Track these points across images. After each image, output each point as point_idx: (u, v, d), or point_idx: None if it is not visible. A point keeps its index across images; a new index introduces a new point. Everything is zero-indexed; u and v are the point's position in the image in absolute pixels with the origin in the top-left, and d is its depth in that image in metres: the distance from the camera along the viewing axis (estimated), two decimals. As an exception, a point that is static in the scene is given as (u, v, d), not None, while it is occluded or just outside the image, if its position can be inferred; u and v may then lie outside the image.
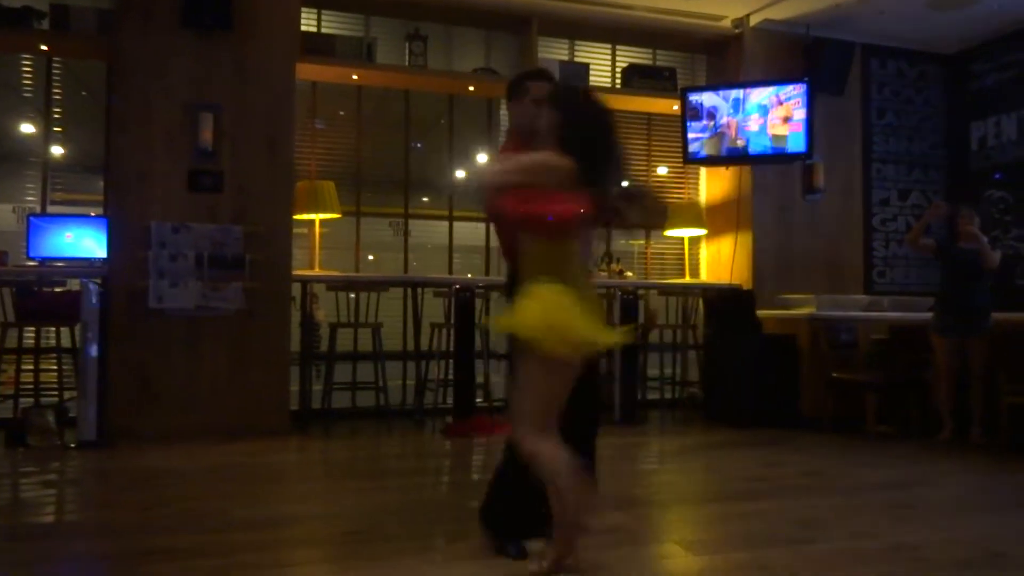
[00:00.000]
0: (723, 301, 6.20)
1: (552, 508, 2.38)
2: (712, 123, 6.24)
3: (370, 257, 6.38)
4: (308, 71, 5.63)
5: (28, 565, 2.61)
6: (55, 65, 5.61)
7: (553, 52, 6.68)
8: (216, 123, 5.10)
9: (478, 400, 5.61)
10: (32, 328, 5.13)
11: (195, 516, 3.17)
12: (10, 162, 5.80)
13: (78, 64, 5.76)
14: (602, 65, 6.86)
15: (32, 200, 5.76)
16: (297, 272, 5.41)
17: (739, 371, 5.78)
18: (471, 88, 6.26)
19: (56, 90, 5.65)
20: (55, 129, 5.68)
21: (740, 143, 6.19)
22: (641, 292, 6.23)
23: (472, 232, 6.64)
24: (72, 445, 4.53)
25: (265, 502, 3.46)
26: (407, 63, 5.99)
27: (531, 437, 2.37)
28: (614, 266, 6.25)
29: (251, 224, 5.10)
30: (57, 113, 5.67)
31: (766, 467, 4.35)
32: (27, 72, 5.77)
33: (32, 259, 5.03)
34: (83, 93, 5.99)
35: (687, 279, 6.68)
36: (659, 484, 4.08)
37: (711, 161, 6.43)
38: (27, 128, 5.97)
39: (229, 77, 5.18)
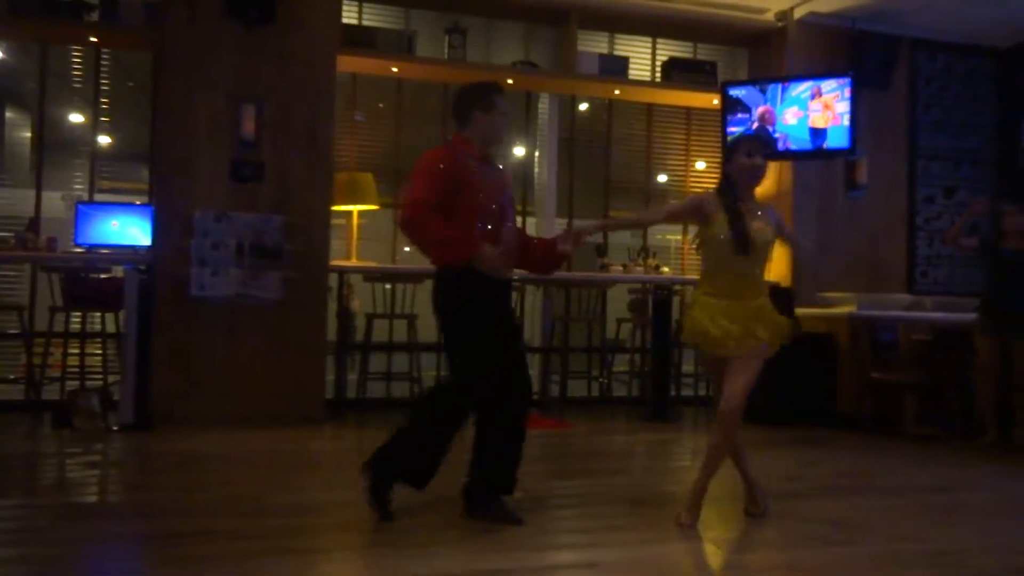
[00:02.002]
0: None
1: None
2: (759, 117, 6.15)
3: (406, 249, 6.41)
4: (349, 63, 5.68)
5: (72, 543, 2.69)
6: (103, 56, 5.74)
7: (592, 45, 6.65)
8: (258, 114, 5.17)
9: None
10: (79, 313, 5.26)
11: (233, 500, 3.23)
12: (59, 151, 5.95)
13: (125, 55, 5.89)
14: (642, 59, 6.81)
15: (80, 188, 5.91)
16: (335, 262, 5.47)
17: (776, 369, 5.67)
18: (510, 81, 6.25)
19: (104, 81, 5.77)
20: (103, 119, 5.81)
21: (781, 137, 6.10)
22: (677, 288, 6.19)
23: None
24: (115, 428, 4.64)
25: (300, 488, 3.50)
26: (446, 56, 6.01)
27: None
28: (650, 261, 6.21)
29: (291, 214, 5.16)
30: (105, 103, 5.79)
31: (802, 467, 4.29)
32: (76, 63, 5.92)
33: (79, 246, 5.16)
34: (130, 84, 6.12)
35: (724, 275, 6.59)
36: (691, 481, 4.03)
37: (751, 156, 6.34)
38: (76, 118, 6.12)
39: (271, 69, 5.24)
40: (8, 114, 6.23)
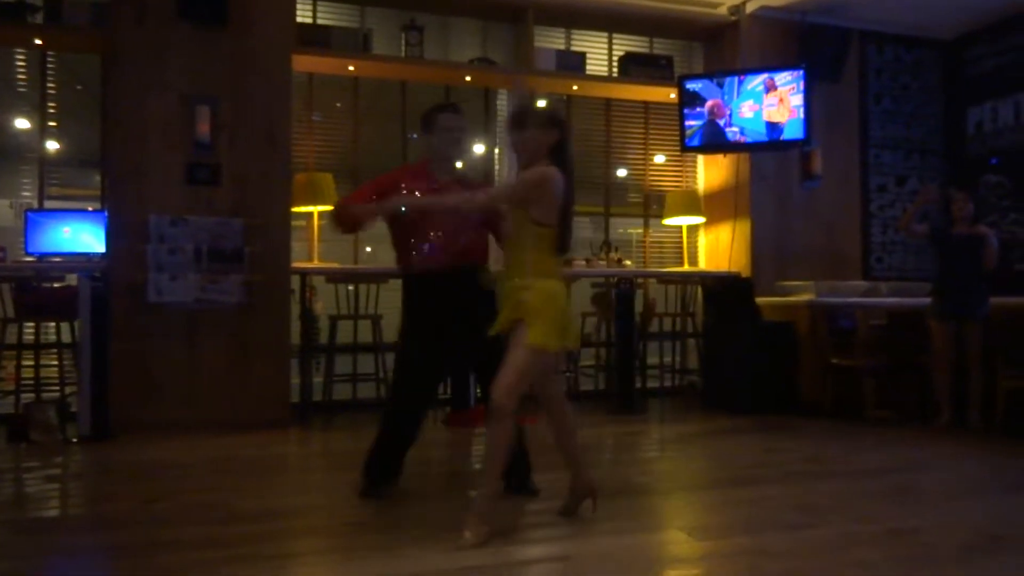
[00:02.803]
0: (722, 289, 6.21)
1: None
2: (708, 111, 6.23)
3: (367, 248, 6.37)
4: (304, 63, 5.62)
5: (34, 558, 2.63)
6: (49, 59, 5.59)
7: (549, 41, 6.66)
8: (213, 116, 5.09)
9: (478, 390, 5.61)
10: (32, 324, 5.13)
11: (198, 508, 3.18)
12: (6, 158, 5.78)
13: (72, 58, 5.74)
14: (599, 54, 6.85)
15: (29, 196, 5.75)
16: (296, 264, 5.41)
17: (738, 358, 5.79)
18: (468, 78, 6.25)
19: (50, 84, 5.62)
20: (50, 124, 5.66)
21: (736, 130, 6.19)
22: (640, 281, 6.24)
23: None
24: (74, 439, 4.54)
25: (268, 494, 3.46)
26: (403, 54, 5.98)
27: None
28: (612, 255, 6.26)
29: (250, 216, 5.09)
30: (52, 108, 5.64)
31: (766, 453, 4.37)
32: (21, 67, 5.75)
33: (30, 255, 5.02)
34: (78, 87, 5.96)
35: (686, 267, 6.69)
36: (660, 472, 4.10)
37: (708, 149, 6.43)
38: (22, 123, 5.95)
39: (226, 69, 5.16)
40: None
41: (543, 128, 2.89)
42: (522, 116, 2.95)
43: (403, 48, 6.00)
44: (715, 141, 6.28)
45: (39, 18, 5.20)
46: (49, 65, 5.60)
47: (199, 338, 5.00)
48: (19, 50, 5.67)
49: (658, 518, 3.20)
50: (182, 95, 5.06)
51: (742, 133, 6.18)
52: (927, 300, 5.28)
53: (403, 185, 3.36)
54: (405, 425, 3.36)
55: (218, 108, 5.12)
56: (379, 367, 5.54)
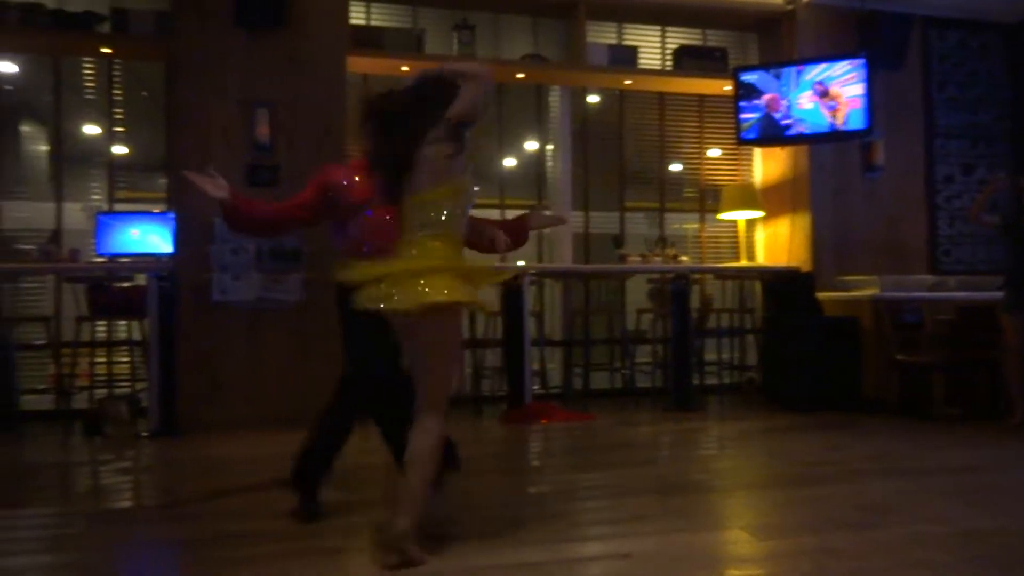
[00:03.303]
0: (781, 284, 6.09)
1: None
2: (765, 103, 6.11)
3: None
4: (359, 64, 5.69)
5: (107, 548, 2.73)
6: (116, 67, 5.78)
7: (601, 36, 6.62)
8: (272, 118, 5.20)
9: (535, 387, 5.62)
10: (104, 322, 5.32)
11: (261, 502, 3.25)
12: (77, 163, 6.01)
13: (138, 65, 5.93)
14: (651, 47, 6.78)
15: (99, 199, 5.96)
16: (354, 263, 5.48)
17: (799, 354, 5.67)
18: (520, 75, 6.25)
19: (117, 91, 5.82)
20: (117, 129, 5.86)
21: (794, 122, 6.06)
22: (696, 276, 6.16)
23: (523, 220, 6.63)
24: (144, 434, 4.69)
25: (326, 489, 3.52)
26: (455, 52, 6.01)
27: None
28: (668, 251, 6.19)
29: (308, 217, 5.18)
30: (119, 114, 5.84)
31: (830, 451, 4.27)
32: (89, 75, 5.97)
33: (101, 255, 5.21)
34: (143, 94, 6.16)
35: (743, 262, 6.58)
36: (720, 469, 4.04)
37: (765, 141, 6.31)
38: (91, 129, 6.18)
39: (282, 73, 5.27)
40: (24, 128, 6.28)
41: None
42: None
43: (455, 47, 6.03)
44: (772, 134, 6.16)
45: (106, 28, 5.38)
46: (115, 73, 5.79)
47: (261, 336, 5.11)
48: (87, 59, 5.88)
49: (718, 516, 3.16)
50: (242, 99, 5.18)
51: (801, 125, 6.05)
52: (999, 294, 5.08)
53: (345, 183, 3.03)
54: (344, 430, 3.16)
55: (276, 111, 5.23)
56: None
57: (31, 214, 5.79)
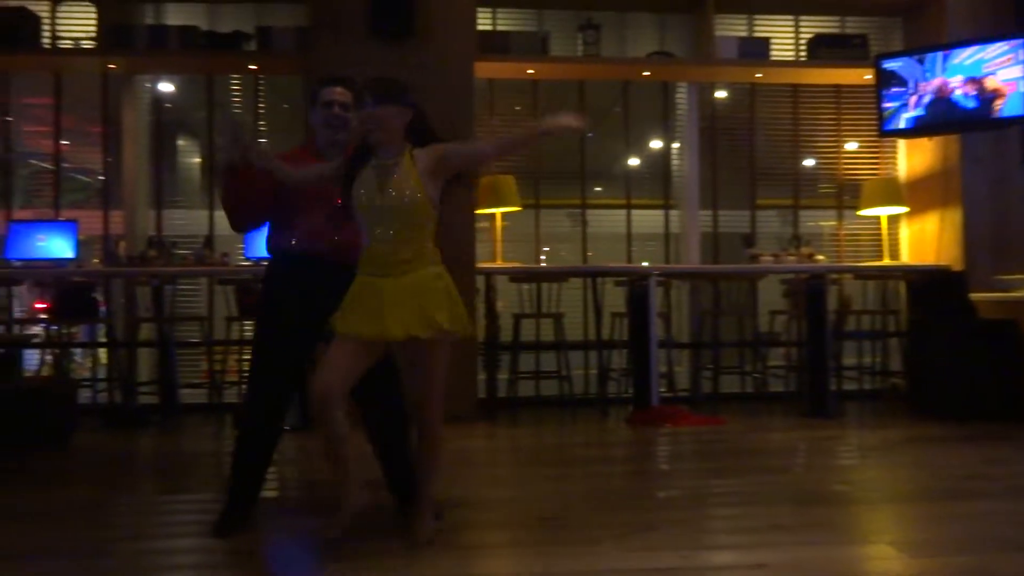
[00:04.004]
0: (929, 284, 5.71)
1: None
2: (910, 90, 5.74)
3: (545, 249, 6.46)
4: (485, 69, 5.79)
5: (258, 534, 2.90)
6: (260, 82, 6.15)
7: (731, 29, 6.45)
8: (403, 124, 5.35)
9: (661, 390, 5.53)
10: (251, 322, 5.65)
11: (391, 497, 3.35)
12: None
13: (280, 79, 6.30)
14: (784, 38, 6.53)
15: (245, 206, 6.35)
16: (481, 265, 5.58)
17: (950, 360, 5.28)
18: (646, 73, 6.17)
19: (261, 105, 6.20)
20: (260, 140, 6.23)
21: (942, 111, 5.65)
22: (833, 277, 5.87)
23: (650, 220, 6.56)
24: (286, 428, 4.95)
25: (459, 485, 3.59)
26: (580, 53, 6.01)
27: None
28: (803, 250, 5.93)
29: (438, 220, 5.31)
30: (263, 126, 6.22)
31: (986, 464, 3.95)
32: (236, 90, 6.39)
33: (249, 259, 5.55)
34: (284, 106, 6.53)
35: (886, 261, 6.20)
36: (862, 480, 3.82)
37: (911, 132, 5.92)
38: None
39: (412, 80, 5.39)
40: (180, 142, 6.80)
41: (401, 105, 2.61)
42: (382, 88, 2.61)
43: (580, 47, 6.03)
44: (920, 124, 5.77)
45: (253, 46, 5.74)
46: (260, 88, 6.16)
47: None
48: (235, 76, 6.29)
49: (861, 530, 2.99)
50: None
51: (950, 113, 5.63)
52: None
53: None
54: (261, 428, 2.94)
55: (407, 118, 5.38)
56: (561, 365, 5.61)
57: (187, 221, 6.26)
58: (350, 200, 2.54)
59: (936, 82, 5.63)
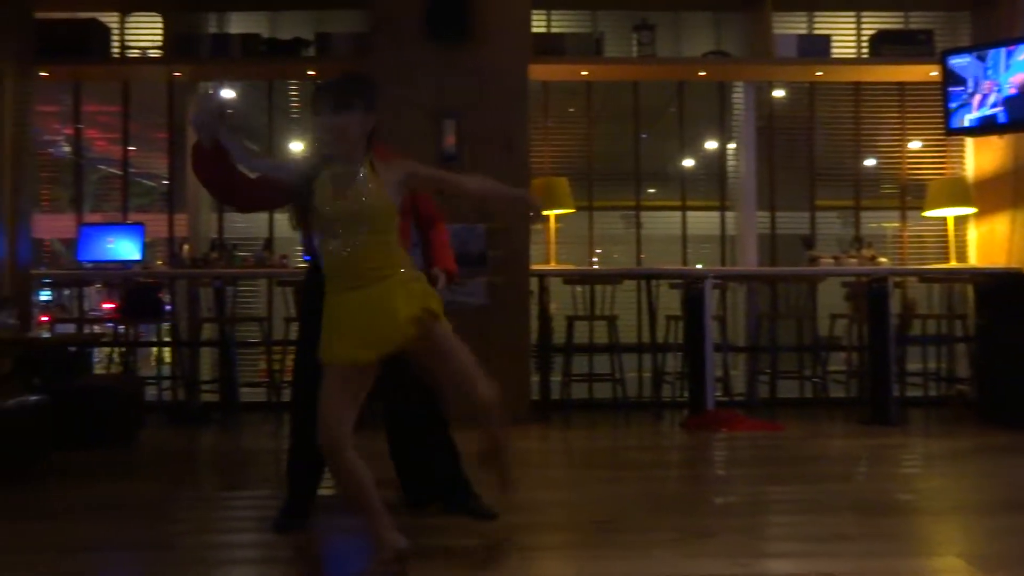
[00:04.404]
0: (998, 287, 5.49)
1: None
2: (972, 88, 5.53)
3: (598, 251, 6.43)
4: (540, 71, 5.79)
5: (316, 530, 2.95)
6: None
7: (790, 27, 6.32)
8: (457, 128, 5.40)
9: (717, 394, 5.44)
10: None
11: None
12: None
13: (338, 84, 6.39)
14: (845, 35, 6.38)
15: (303, 209, 6.47)
16: (535, 266, 5.58)
17: (1020, 366, 5.08)
18: (702, 73, 6.10)
19: (320, 110, 6.30)
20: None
21: (1008, 108, 5.43)
22: (897, 279, 5.70)
23: (705, 221, 6.47)
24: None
25: (515, 487, 3.59)
26: (635, 54, 5.97)
27: None
28: (864, 251, 5.78)
29: (492, 222, 5.34)
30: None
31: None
32: (294, 95, 6.52)
33: (307, 261, 5.64)
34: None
35: (952, 264, 6.00)
36: (927, 490, 3.71)
37: (980, 130, 5.71)
38: (296, 146, 6.75)
39: (467, 83, 5.45)
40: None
41: (370, 110, 2.46)
42: (347, 93, 2.44)
43: (635, 48, 5.99)
44: (988, 122, 5.56)
45: (311, 52, 5.85)
46: (319, 93, 6.27)
47: (447, 337, 5.32)
48: (294, 82, 6.42)
49: (928, 541, 2.90)
50: (430, 111, 5.43)
51: (1016, 111, 5.41)
52: None
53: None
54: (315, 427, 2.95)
55: (461, 120, 5.43)
56: (615, 368, 5.57)
57: (247, 224, 6.40)
58: (307, 213, 2.35)
59: (1016, 78, 5.40)
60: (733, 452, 4.57)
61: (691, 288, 5.45)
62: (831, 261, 5.75)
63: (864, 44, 6.28)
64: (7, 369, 4.71)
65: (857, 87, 6.34)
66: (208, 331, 5.92)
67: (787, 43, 5.95)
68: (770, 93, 6.46)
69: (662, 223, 6.56)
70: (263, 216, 6.25)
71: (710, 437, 4.86)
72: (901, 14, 6.37)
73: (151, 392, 5.83)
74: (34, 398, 3.83)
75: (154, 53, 6.12)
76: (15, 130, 5.30)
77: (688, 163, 6.67)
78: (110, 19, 6.17)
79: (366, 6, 5.52)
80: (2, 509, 3.25)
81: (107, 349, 5.97)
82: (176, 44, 5.95)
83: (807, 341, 5.98)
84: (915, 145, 6.41)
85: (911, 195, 6.31)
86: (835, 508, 3.17)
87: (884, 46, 5.99)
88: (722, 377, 5.69)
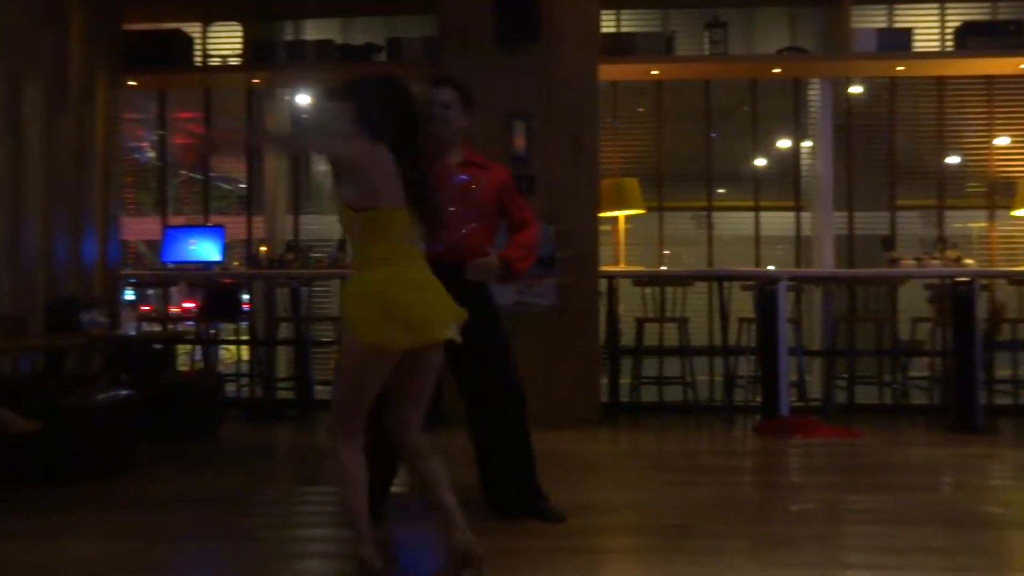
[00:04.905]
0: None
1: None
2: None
3: (665, 252, 6.34)
4: (609, 72, 5.74)
5: (390, 527, 3.00)
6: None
7: (869, 20, 6.13)
8: (527, 129, 5.42)
9: (792, 399, 5.31)
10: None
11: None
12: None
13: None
14: (928, 28, 6.15)
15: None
16: (604, 268, 5.55)
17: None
18: (776, 70, 5.96)
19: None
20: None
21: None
22: (985, 282, 5.46)
23: (779, 222, 6.33)
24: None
25: (582, 488, 3.59)
26: (707, 52, 5.87)
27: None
28: (949, 252, 5.55)
29: (561, 223, 5.33)
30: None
31: None
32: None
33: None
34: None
35: (1045, 265, 5.72)
36: (1018, 503, 3.53)
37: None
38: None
39: (536, 85, 5.46)
40: (315, 151, 7.14)
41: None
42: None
43: (706, 46, 5.89)
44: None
45: (383, 57, 5.95)
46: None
47: (516, 338, 5.32)
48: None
49: (1019, 556, 2.77)
50: (500, 113, 5.45)
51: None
52: None
53: None
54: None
55: (531, 122, 5.44)
56: (686, 371, 5.49)
57: (322, 226, 6.55)
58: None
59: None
60: (809, 458, 4.46)
61: (764, 290, 5.33)
62: (913, 263, 5.54)
63: (948, 37, 6.03)
64: (98, 366, 4.94)
65: (941, 82, 6.09)
66: (284, 330, 6.08)
67: (866, 37, 5.77)
68: (848, 89, 6.27)
69: (734, 224, 6.44)
70: (334, 218, 6.37)
71: (784, 443, 4.74)
72: (988, 5, 6.11)
73: (230, 388, 6.03)
74: (124, 393, 3.99)
75: (234, 61, 6.33)
76: (105, 137, 5.57)
77: (761, 162, 6.53)
78: (192, 29, 6.40)
79: (436, 11, 5.59)
80: (95, 499, 3.41)
81: (187, 347, 6.19)
82: (255, 52, 6.14)
83: (887, 345, 5.79)
84: (1003, 141, 6.13)
85: (999, 193, 6.04)
86: (919, 519, 3.06)
87: (970, 38, 5.74)
88: (797, 382, 5.55)
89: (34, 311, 4.54)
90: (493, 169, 3.14)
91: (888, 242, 5.84)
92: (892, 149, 6.14)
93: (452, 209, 2.83)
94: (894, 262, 5.58)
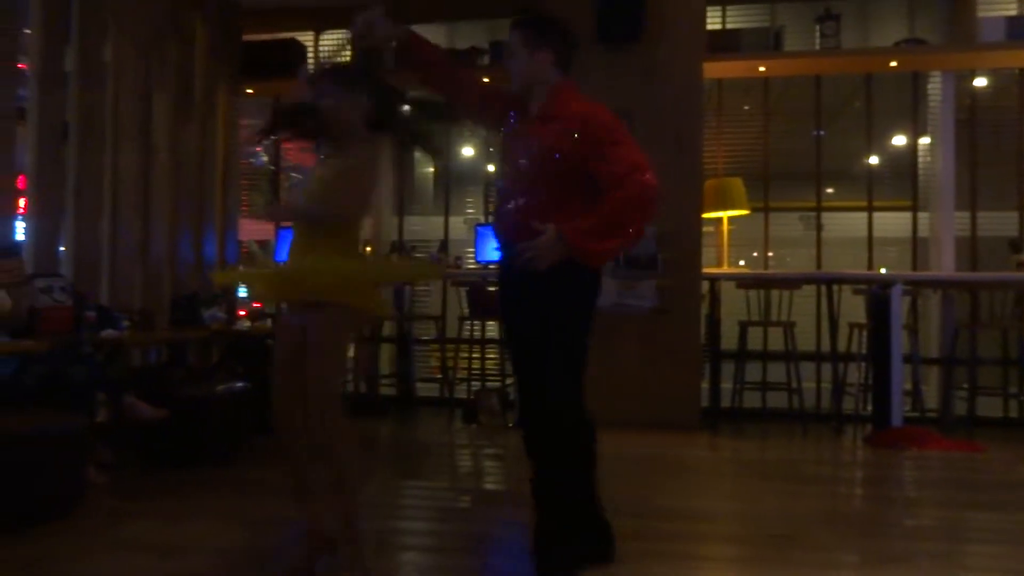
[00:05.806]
0: None
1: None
2: None
3: (769, 254, 6.15)
4: (714, 69, 5.62)
5: (488, 524, 3.04)
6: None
7: (995, 7, 5.75)
8: (629, 128, 5.34)
9: (906, 409, 5.05)
10: (479, 321, 5.96)
11: (622, 500, 3.34)
12: (458, 182, 6.85)
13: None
14: (1065, 14, 5.71)
15: (474, 212, 6.71)
16: (707, 270, 5.44)
17: None
18: (893, 64, 5.68)
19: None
20: (491, 150, 6.53)
21: None
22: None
23: (894, 223, 6.03)
24: (511, 425, 5.15)
25: (682, 494, 3.53)
26: (817, 47, 5.66)
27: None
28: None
29: (662, 224, 5.24)
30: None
31: None
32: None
33: (479, 262, 5.84)
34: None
35: None
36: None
37: None
38: (467, 151, 6.99)
39: (638, 83, 5.40)
40: (416, 154, 7.32)
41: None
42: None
43: (817, 41, 5.68)
44: None
45: (486, 60, 6.03)
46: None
47: (615, 340, 5.29)
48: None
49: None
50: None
51: None
52: None
53: (504, 101, 2.63)
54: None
55: (632, 120, 5.38)
56: (792, 376, 5.31)
57: (424, 227, 6.71)
58: None
59: None
60: (925, 472, 4.23)
61: (878, 294, 5.09)
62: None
63: (1089, 23, 5.59)
64: (216, 359, 5.22)
65: (1079, 71, 5.66)
66: (387, 328, 6.25)
67: (994, 26, 5.41)
68: (972, 82, 5.91)
69: (844, 225, 6.18)
70: (439, 219, 6.50)
71: (898, 455, 4.52)
72: None
73: (336, 384, 6.25)
74: (239, 384, 4.20)
75: (344, 67, 6.56)
76: (225, 143, 5.89)
77: (874, 161, 6.24)
78: (306, 38, 6.67)
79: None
80: (214, 483, 3.60)
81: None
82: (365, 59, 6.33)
83: (1013, 355, 5.42)
84: None
85: None
86: (1047, 542, 2.85)
87: (1111, 25, 5.31)
88: (911, 391, 5.28)
89: (160, 307, 4.85)
90: (563, 116, 2.43)
91: (1017, 244, 5.46)
92: (1021, 146, 5.74)
93: (509, 182, 2.47)
94: (1023, 265, 5.22)
